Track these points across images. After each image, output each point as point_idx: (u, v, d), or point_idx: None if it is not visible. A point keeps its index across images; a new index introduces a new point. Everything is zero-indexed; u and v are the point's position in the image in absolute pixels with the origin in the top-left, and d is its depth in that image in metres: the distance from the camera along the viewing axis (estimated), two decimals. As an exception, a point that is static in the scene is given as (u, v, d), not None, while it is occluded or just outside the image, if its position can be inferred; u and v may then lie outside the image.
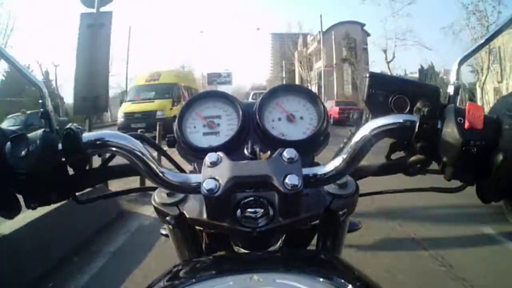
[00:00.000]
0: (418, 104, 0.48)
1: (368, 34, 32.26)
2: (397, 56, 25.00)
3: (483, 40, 0.49)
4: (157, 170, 0.48)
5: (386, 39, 22.34)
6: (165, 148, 0.66)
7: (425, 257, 2.64)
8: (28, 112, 12.20)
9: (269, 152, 0.52)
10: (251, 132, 0.60)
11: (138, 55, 46.82)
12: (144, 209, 3.90)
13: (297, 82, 43.94)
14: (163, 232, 0.69)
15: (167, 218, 0.53)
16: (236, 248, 0.56)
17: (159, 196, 0.54)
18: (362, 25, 32.31)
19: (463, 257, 2.60)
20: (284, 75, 45.59)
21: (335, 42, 31.95)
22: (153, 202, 0.54)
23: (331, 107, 18.22)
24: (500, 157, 0.41)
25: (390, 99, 0.52)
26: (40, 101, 0.49)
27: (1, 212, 0.48)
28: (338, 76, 31.86)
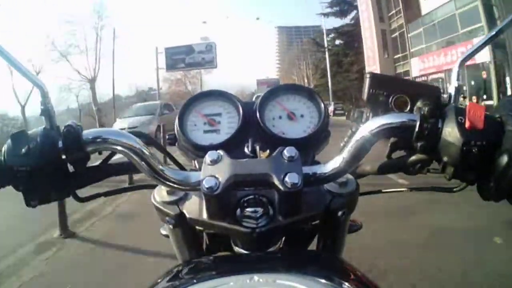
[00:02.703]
0: (419, 104, 0.48)
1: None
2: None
3: (484, 40, 0.48)
4: (157, 168, 0.48)
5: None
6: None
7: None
8: None
9: (268, 151, 0.52)
10: (252, 131, 0.60)
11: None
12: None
13: (366, 46, 25.67)
14: (163, 232, 0.69)
15: (167, 218, 0.53)
16: (236, 249, 0.56)
17: (159, 194, 0.54)
18: None
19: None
20: (325, 43, 31.33)
21: None
22: (152, 200, 0.54)
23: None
24: (505, 159, 0.40)
25: (390, 98, 0.52)
26: (40, 99, 0.49)
27: None
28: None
